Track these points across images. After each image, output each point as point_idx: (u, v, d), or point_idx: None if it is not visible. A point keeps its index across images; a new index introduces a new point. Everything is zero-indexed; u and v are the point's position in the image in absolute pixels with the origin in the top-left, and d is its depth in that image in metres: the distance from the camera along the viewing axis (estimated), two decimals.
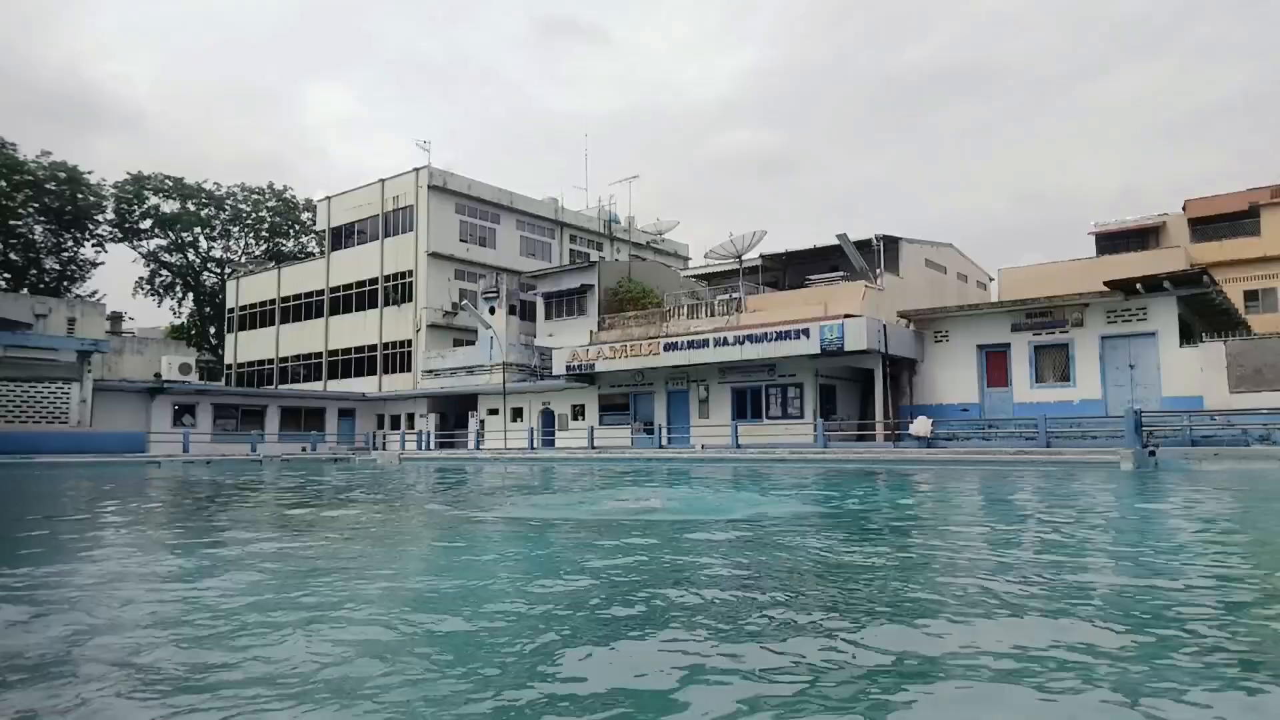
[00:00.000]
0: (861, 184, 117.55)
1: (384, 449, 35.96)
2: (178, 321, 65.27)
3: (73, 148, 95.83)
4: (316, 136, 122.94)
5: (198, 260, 65.51)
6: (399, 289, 44.50)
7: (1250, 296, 31.41)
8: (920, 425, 21.51)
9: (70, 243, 58.37)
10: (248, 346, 53.86)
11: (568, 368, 31.57)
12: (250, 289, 54.42)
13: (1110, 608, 4.39)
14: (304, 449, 36.42)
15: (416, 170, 43.94)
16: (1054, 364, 24.46)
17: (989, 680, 3.13)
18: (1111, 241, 34.59)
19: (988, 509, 10.53)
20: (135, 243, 62.39)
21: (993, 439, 22.40)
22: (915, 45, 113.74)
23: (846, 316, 25.01)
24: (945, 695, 3.01)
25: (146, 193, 60.85)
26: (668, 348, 28.50)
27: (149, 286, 64.87)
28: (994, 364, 25.54)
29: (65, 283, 57.81)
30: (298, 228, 67.13)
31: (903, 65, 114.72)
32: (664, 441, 28.03)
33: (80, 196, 55.93)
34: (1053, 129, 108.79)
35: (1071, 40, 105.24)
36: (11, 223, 53.65)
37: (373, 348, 45.50)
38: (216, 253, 65.92)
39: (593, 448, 28.02)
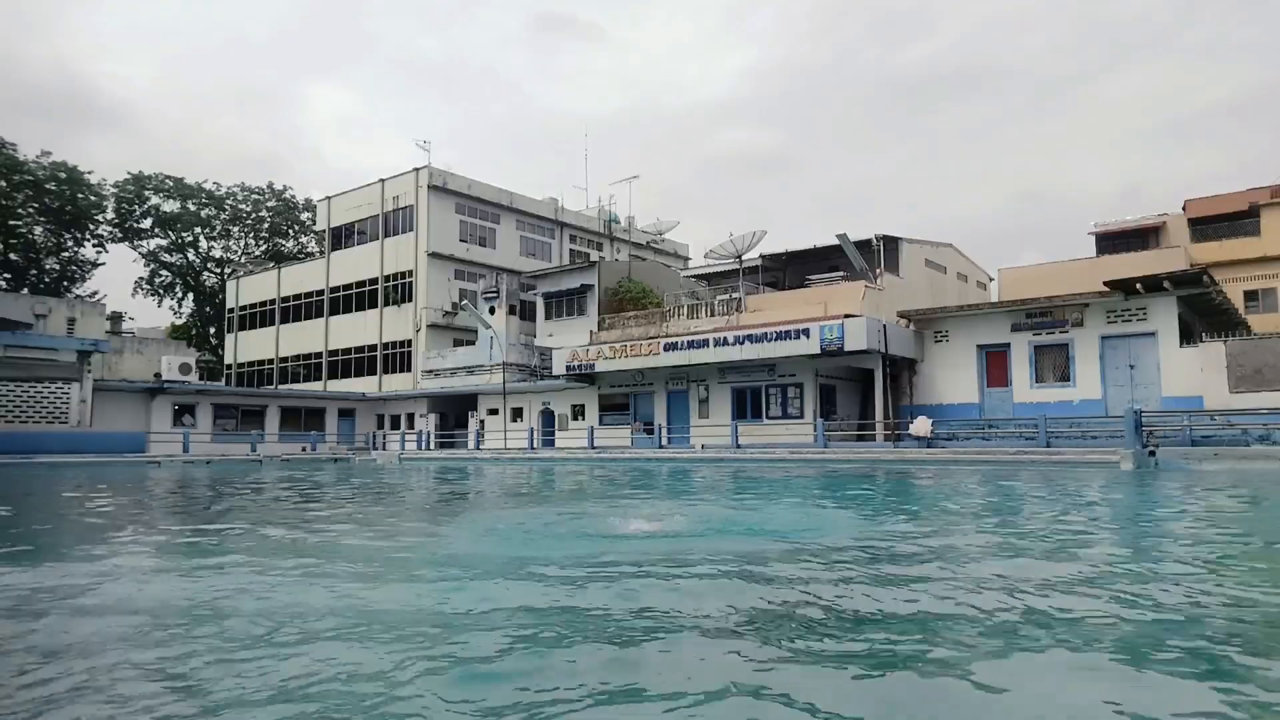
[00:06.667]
0: (861, 184, 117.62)
1: (384, 449, 35.97)
2: (178, 321, 65.27)
3: (70, 147, 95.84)
4: (316, 136, 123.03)
5: (198, 260, 65.54)
6: (399, 289, 44.50)
7: (1250, 296, 31.40)
8: (920, 425, 21.50)
9: (70, 243, 58.37)
10: (248, 346, 53.86)
11: (568, 368, 31.56)
12: (250, 289, 54.43)
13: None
14: (304, 449, 36.42)
15: (416, 170, 43.94)
16: (1054, 364, 24.45)
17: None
18: (1111, 241, 34.58)
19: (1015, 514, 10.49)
20: (135, 243, 62.44)
21: (992, 439, 22.39)
22: (915, 45, 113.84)
23: (846, 316, 25.00)
24: None
25: (147, 192, 60.89)
26: (668, 348, 28.49)
27: (149, 286, 64.93)
28: (994, 364, 25.53)
29: (65, 283, 57.80)
30: (297, 228, 67.17)
31: (903, 65, 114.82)
32: (664, 441, 28.02)
33: (80, 196, 55.94)
34: (1053, 129, 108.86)
35: (1072, 40, 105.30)
36: (11, 223, 53.64)
37: (373, 348, 45.50)
38: (216, 253, 66.02)
39: (593, 448, 28.03)
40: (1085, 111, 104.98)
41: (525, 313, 38.27)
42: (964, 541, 7.15)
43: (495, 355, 36.50)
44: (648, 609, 4.39)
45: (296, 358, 50.05)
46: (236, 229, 65.85)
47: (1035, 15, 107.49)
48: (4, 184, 52.11)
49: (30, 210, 54.55)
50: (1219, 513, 9.59)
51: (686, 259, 56.24)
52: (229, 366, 54.90)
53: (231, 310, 55.61)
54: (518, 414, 35.63)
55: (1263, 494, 11.69)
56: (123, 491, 16.08)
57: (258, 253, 65.35)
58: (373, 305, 45.82)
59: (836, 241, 29.82)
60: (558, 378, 32.55)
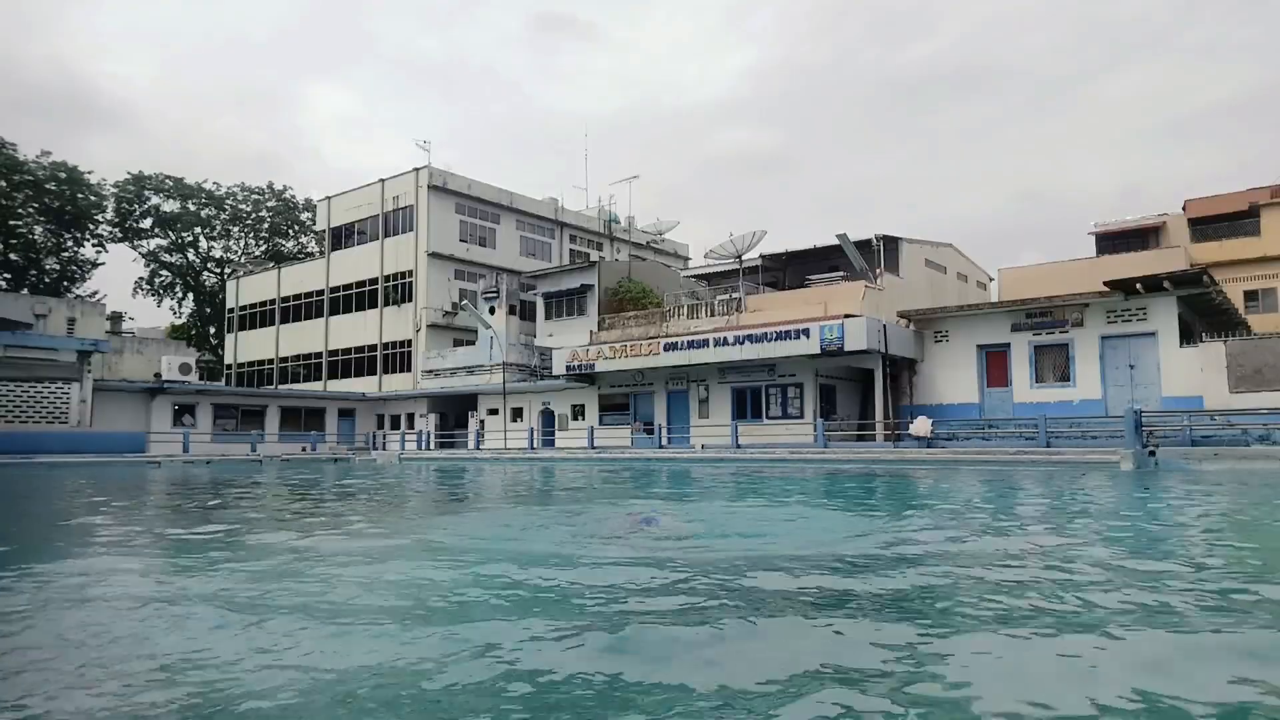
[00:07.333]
0: (861, 184, 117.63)
1: (384, 449, 35.96)
2: (178, 321, 65.29)
3: (70, 147, 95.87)
4: (316, 136, 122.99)
5: (198, 260, 65.56)
6: (399, 289, 44.50)
7: (1250, 296, 31.40)
8: (920, 425, 21.48)
9: (70, 243, 58.37)
10: (248, 346, 53.87)
11: (568, 368, 31.56)
12: (250, 289, 54.44)
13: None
14: (304, 449, 36.42)
15: (416, 170, 43.94)
16: (1054, 364, 24.45)
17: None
18: (1111, 241, 34.58)
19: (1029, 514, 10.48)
20: (135, 243, 62.47)
21: (993, 439, 22.38)
22: (915, 45, 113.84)
23: (846, 316, 25.00)
24: None
25: (147, 192, 60.91)
26: (668, 348, 28.48)
27: (149, 286, 64.95)
28: (994, 364, 25.53)
29: (65, 283, 57.80)
30: (297, 228, 67.18)
31: (903, 65, 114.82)
32: (664, 441, 28.01)
33: (80, 196, 55.94)
34: (1053, 129, 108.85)
35: (1072, 40, 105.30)
36: (11, 223, 53.64)
37: (373, 348, 45.50)
38: (216, 253, 66.06)
39: (593, 448, 28.02)
40: (1085, 111, 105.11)
41: (525, 313, 38.27)
42: (966, 545, 7.14)
43: (495, 355, 36.50)
44: (649, 618, 4.38)
45: (296, 358, 50.05)
46: (236, 229, 65.87)
47: (1035, 15, 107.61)
48: (4, 184, 52.12)
49: (30, 210, 54.55)
50: (1224, 514, 9.58)
51: (686, 259, 56.24)
52: (229, 366, 54.90)
53: (231, 310, 55.61)
54: (518, 414, 35.63)
55: (1263, 493, 11.68)
56: (122, 491, 16.07)
57: (258, 253, 65.36)
58: (373, 305, 45.82)
59: (836, 241, 29.82)
60: (558, 378, 32.54)
